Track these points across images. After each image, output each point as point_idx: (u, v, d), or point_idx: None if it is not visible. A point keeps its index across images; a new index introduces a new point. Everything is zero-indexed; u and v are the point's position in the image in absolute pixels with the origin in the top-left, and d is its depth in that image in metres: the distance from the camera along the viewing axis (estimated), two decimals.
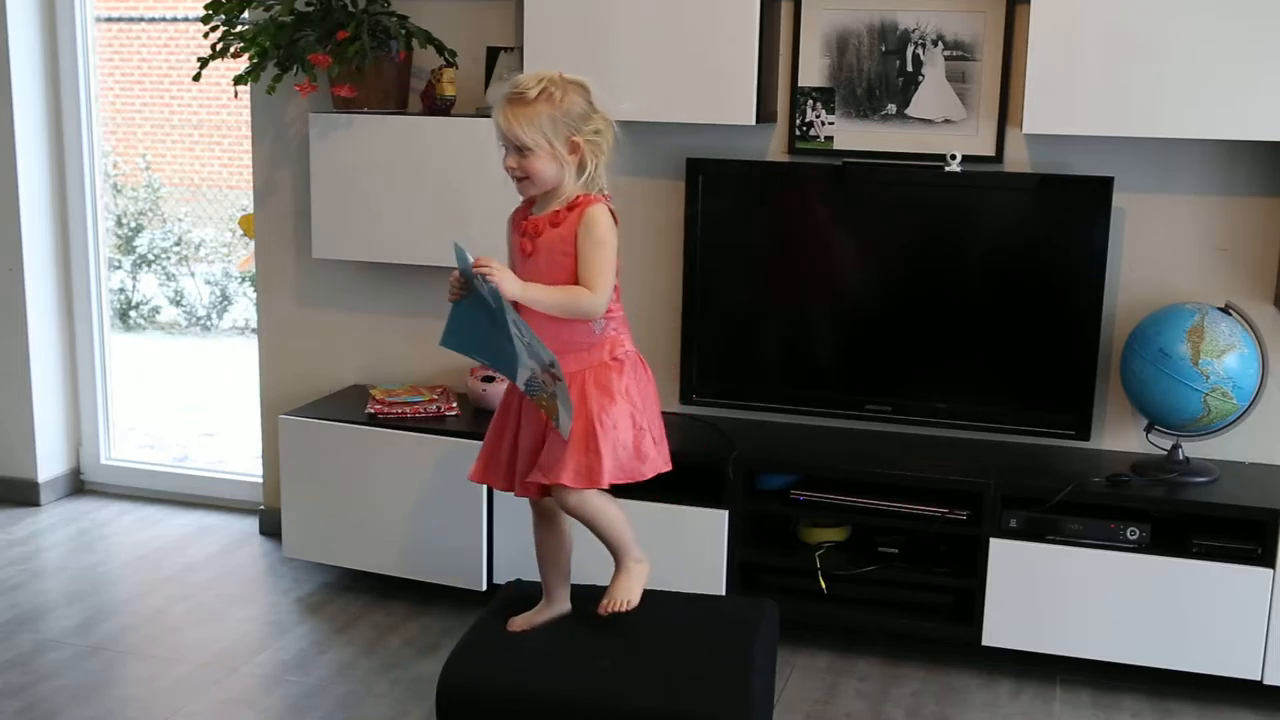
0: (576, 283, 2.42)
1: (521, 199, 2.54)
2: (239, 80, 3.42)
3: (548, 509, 2.60)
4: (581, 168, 2.43)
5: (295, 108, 3.74)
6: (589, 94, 2.44)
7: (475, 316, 2.41)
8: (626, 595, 2.49)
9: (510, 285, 2.35)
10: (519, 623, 2.57)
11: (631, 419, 2.47)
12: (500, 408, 2.63)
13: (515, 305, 2.37)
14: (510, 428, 2.57)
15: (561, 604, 2.63)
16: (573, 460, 2.42)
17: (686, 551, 3.19)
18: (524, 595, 2.66)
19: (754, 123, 3.20)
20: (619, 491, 2.51)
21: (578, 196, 2.44)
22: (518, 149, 2.40)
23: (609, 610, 2.47)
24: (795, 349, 3.43)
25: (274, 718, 2.89)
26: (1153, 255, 3.23)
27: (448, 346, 2.49)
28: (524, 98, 2.38)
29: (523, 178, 2.43)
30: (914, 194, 3.28)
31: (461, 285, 2.39)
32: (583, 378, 2.46)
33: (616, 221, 2.47)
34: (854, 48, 3.32)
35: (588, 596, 2.64)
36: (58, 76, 4.15)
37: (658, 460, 2.52)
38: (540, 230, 2.46)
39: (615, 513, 2.52)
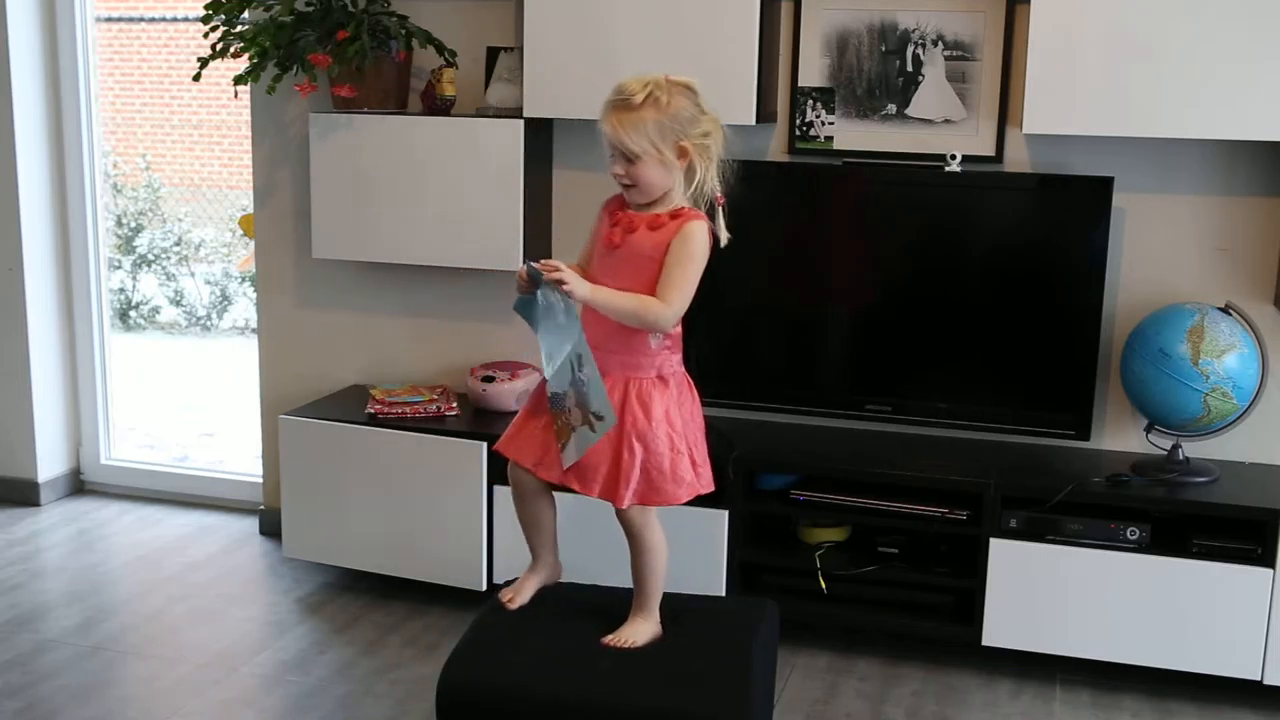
0: (654, 290, 2.38)
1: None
2: (239, 80, 3.42)
3: (522, 484, 2.55)
4: (691, 173, 2.39)
5: (295, 108, 3.74)
6: (696, 95, 2.38)
7: (536, 310, 2.36)
8: (634, 636, 2.47)
9: (579, 288, 2.31)
10: (508, 593, 2.57)
11: (669, 441, 2.43)
12: (540, 387, 2.54)
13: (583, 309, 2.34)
14: (545, 410, 2.50)
15: (550, 567, 2.61)
16: (603, 475, 2.42)
17: (686, 551, 3.19)
18: None
19: (754, 123, 3.19)
20: None
21: (683, 208, 2.41)
22: (625, 156, 2.35)
23: (613, 644, 2.46)
24: (795, 349, 3.43)
25: (274, 718, 2.89)
26: (1153, 255, 3.23)
27: (516, 311, 2.41)
28: (629, 103, 2.33)
29: (630, 185, 2.38)
30: (914, 194, 3.27)
31: (528, 283, 2.33)
32: (625, 388, 2.42)
33: (712, 248, 2.42)
34: (854, 48, 3.32)
35: (584, 596, 2.64)
36: (58, 76, 4.15)
37: (695, 484, 2.48)
38: (635, 227, 2.41)
39: (663, 557, 2.52)
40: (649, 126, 2.33)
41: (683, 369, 2.51)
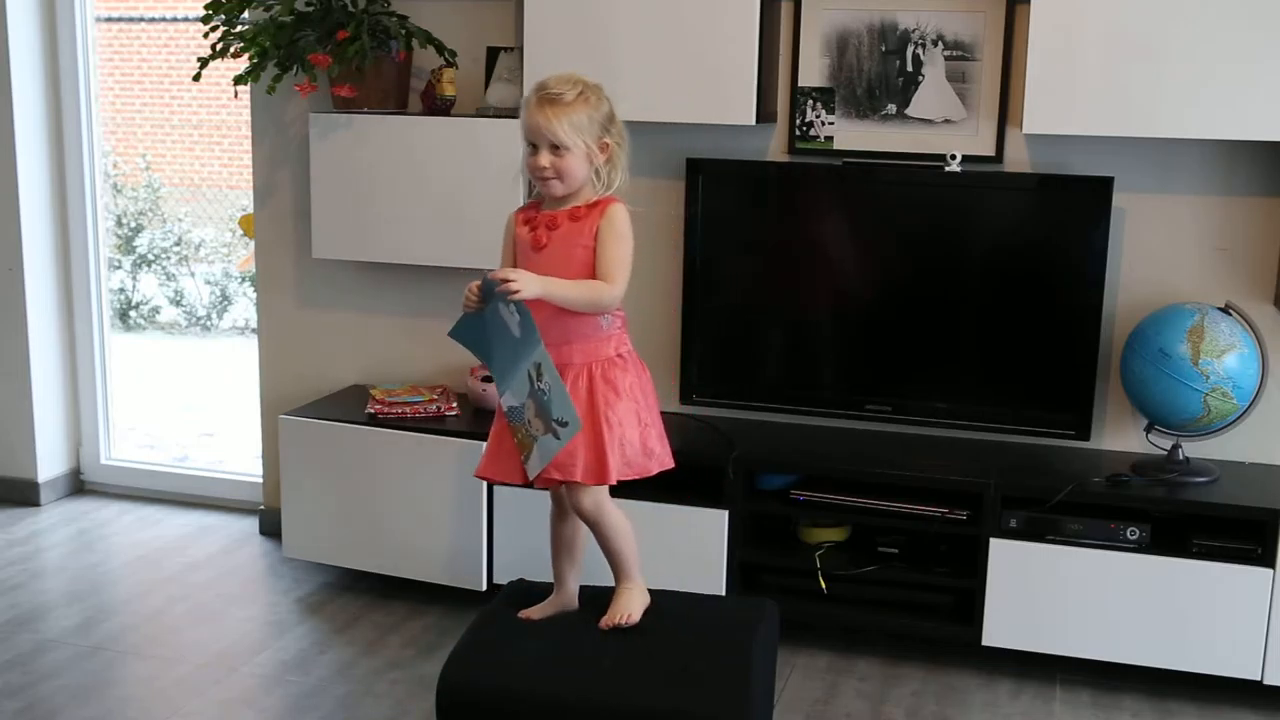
0: (591, 277, 2.47)
1: (524, 199, 2.59)
2: (239, 80, 3.42)
3: (565, 501, 2.61)
4: (611, 167, 2.51)
5: (295, 108, 3.74)
6: (607, 96, 2.52)
7: (485, 329, 2.44)
8: (628, 610, 2.51)
9: (530, 286, 2.38)
10: (529, 612, 2.60)
11: (637, 416, 2.52)
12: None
13: (533, 304, 2.39)
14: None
15: (570, 597, 2.64)
16: (584, 458, 2.46)
17: (686, 551, 3.19)
18: (525, 594, 2.66)
19: (754, 123, 3.20)
20: (625, 489, 2.56)
21: (598, 198, 2.51)
22: (553, 148, 2.45)
23: (610, 624, 2.50)
24: (795, 349, 3.43)
25: (274, 718, 2.89)
26: (1153, 255, 3.23)
27: (454, 338, 2.51)
28: (562, 98, 2.45)
29: (552, 177, 2.48)
30: (914, 194, 3.28)
31: (478, 299, 2.42)
32: (589, 371, 2.50)
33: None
34: (854, 48, 3.32)
35: (590, 598, 2.64)
36: (58, 76, 4.15)
37: (664, 456, 2.58)
38: (558, 224, 2.51)
39: (628, 529, 2.57)
40: (581, 121, 2.45)
41: (633, 349, 2.60)
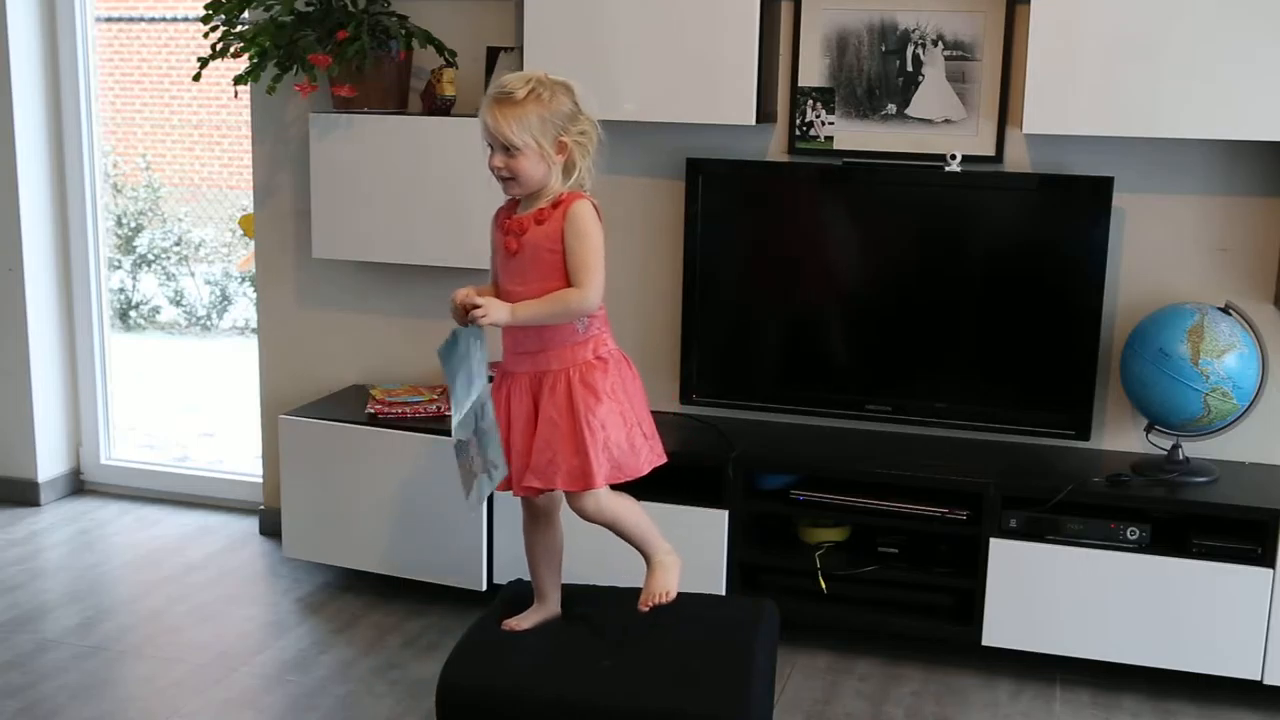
0: (566, 280, 2.42)
1: (505, 198, 2.54)
2: (239, 80, 3.42)
3: (540, 508, 2.60)
4: (569, 168, 2.44)
5: (295, 108, 3.74)
6: (575, 95, 2.44)
7: (456, 355, 2.41)
8: (664, 587, 2.49)
9: (499, 314, 2.36)
10: (512, 623, 2.57)
11: (621, 416, 2.48)
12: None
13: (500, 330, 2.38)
14: (501, 428, 2.53)
15: (553, 605, 2.62)
16: (565, 464, 2.43)
17: (687, 551, 3.16)
18: (524, 595, 2.66)
19: (754, 123, 3.20)
20: (625, 490, 2.53)
21: (562, 195, 2.45)
22: (505, 149, 2.40)
23: (649, 605, 2.47)
24: (795, 349, 3.43)
25: (274, 718, 2.89)
26: (1153, 255, 3.23)
27: (439, 355, 2.47)
28: (512, 98, 2.38)
29: (509, 178, 2.43)
30: (914, 194, 3.28)
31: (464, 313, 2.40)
32: (568, 376, 2.46)
33: (601, 217, 2.46)
34: (854, 48, 3.32)
35: (583, 596, 2.65)
36: (58, 76, 4.15)
37: (651, 455, 2.53)
38: (525, 228, 2.46)
39: (636, 511, 2.53)
40: (531, 121, 2.38)
41: (617, 348, 2.55)
